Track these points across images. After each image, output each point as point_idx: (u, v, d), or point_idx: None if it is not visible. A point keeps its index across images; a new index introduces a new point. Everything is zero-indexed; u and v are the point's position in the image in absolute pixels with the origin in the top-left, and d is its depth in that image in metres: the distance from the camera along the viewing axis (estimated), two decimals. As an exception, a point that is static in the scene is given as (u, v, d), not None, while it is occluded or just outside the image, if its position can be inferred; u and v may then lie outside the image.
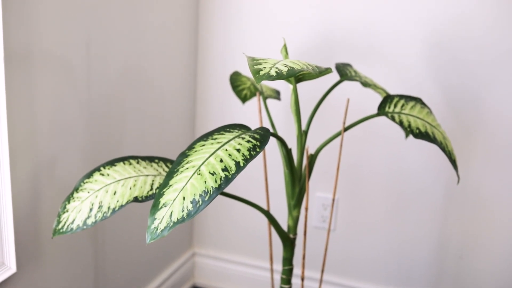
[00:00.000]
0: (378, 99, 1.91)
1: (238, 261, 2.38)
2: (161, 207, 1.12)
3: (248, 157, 1.15)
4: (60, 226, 1.31)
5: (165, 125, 2.07)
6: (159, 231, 1.10)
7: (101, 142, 1.72)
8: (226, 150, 1.17)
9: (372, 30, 1.96)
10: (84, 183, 1.34)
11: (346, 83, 1.95)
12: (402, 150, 2.02)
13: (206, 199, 1.10)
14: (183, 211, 1.10)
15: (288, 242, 1.57)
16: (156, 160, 1.42)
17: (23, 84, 1.38)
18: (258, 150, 1.17)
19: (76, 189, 1.34)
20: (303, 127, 1.65)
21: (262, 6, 2.08)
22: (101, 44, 1.65)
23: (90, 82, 1.63)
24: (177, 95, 2.13)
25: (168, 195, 1.14)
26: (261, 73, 1.13)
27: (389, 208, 2.10)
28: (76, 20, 1.53)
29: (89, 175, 1.35)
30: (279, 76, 1.12)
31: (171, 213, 1.11)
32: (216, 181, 1.11)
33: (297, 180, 1.52)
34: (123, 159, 1.39)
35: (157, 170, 1.40)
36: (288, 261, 1.59)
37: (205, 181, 1.12)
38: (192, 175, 1.14)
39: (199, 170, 1.14)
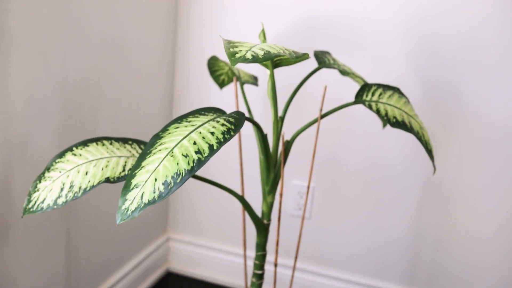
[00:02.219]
0: (356, 88, 1.91)
1: (213, 247, 2.37)
2: (133, 188, 1.11)
3: (222, 140, 1.15)
4: (30, 205, 1.30)
5: (142, 108, 2.06)
6: (129, 212, 1.09)
7: (76, 122, 1.70)
8: (200, 133, 1.16)
9: (354, 21, 1.95)
10: (56, 162, 1.33)
11: (324, 72, 1.95)
12: (380, 142, 2.02)
13: (178, 181, 1.09)
14: (154, 192, 1.09)
15: (262, 227, 1.56)
16: (130, 142, 1.41)
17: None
18: (232, 133, 1.16)
19: (48, 169, 1.32)
20: (280, 113, 1.64)
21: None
22: (77, 22, 1.63)
23: (65, 60, 1.61)
24: (154, 77, 2.11)
25: (140, 177, 1.12)
26: (237, 56, 1.12)
27: (365, 198, 2.10)
28: (52, 4, 1.51)
29: (61, 155, 1.34)
30: (254, 59, 1.11)
31: (142, 194, 1.10)
32: (188, 163, 1.10)
33: (272, 166, 1.51)
34: (96, 140, 1.37)
35: (130, 151, 1.38)
36: (261, 247, 1.59)
37: (177, 163, 1.11)
38: (165, 156, 1.13)
39: (172, 152, 1.13)
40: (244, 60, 1.10)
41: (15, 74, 1.42)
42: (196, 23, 2.16)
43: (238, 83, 1.73)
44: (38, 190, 1.31)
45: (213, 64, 1.78)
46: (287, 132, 1.94)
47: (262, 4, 2.05)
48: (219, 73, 1.79)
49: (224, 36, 2.09)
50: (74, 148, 1.35)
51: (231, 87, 2.08)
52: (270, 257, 2.16)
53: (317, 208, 2.18)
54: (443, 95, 1.92)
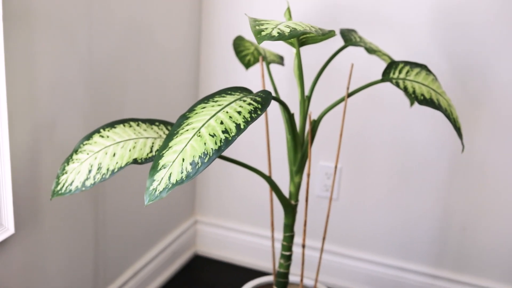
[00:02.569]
0: (383, 66, 1.89)
1: (240, 229, 2.37)
2: (160, 169, 1.11)
3: (249, 119, 1.14)
4: (58, 188, 1.31)
5: (168, 89, 2.05)
6: (157, 192, 1.09)
7: (102, 104, 1.71)
8: (227, 112, 1.15)
9: (378, -3, 1.93)
10: (84, 144, 1.33)
11: (350, 50, 1.93)
12: (407, 120, 2.00)
13: (205, 161, 1.09)
14: (182, 172, 1.09)
15: (290, 208, 1.56)
16: (157, 123, 1.41)
17: (23, 44, 1.36)
18: (259, 112, 1.16)
19: (75, 151, 1.33)
20: (306, 92, 1.63)
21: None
22: (104, 4, 1.63)
23: (91, 43, 1.61)
24: (180, 59, 2.10)
25: (168, 157, 1.12)
26: (263, 33, 1.11)
27: (393, 178, 2.09)
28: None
29: (89, 137, 1.34)
30: (281, 36, 1.10)
31: (170, 174, 1.10)
32: (216, 143, 1.10)
33: (300, 146, 1.51)
34: (123, 121, 1.37)
35: (157, 132, 1.38)
36: (289, 227, 1.58)
37: (204, 143, 1.10)
38: (192, 136, 1.12)
39: (199, 132, 1.12)
40: (270, 37, 1.09)
41: (41, 56, 1.43)
42: (221, 4, 2.15)
43: (264, 63, 1.72)
44: (66, 173, 1.31)
45: (238, 44, 1.77)
46: (313, 112, 1.92)
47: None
48: (244, 53, 1.78)
49: (249, 15, 2.07)
50: (101, 130, 1.35)
51: (256, 68, 2.07)
52: (297, 239, 2.16)
53: (344, 189, 2.17)
54: (471, 69, 1.88)
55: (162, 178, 1.10)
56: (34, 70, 1.41)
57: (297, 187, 1.55)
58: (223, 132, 1.11)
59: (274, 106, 2.04)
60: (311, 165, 2.03)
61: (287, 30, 1.12)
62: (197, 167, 1.08)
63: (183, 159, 1.10)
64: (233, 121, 1.13)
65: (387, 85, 1.92)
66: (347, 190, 2.16)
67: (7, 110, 1.33)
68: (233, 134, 1.11)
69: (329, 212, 1.62)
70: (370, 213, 2.15)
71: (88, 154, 1.31)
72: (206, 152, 1.09)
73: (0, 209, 1.40)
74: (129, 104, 1.84)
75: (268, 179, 1.48)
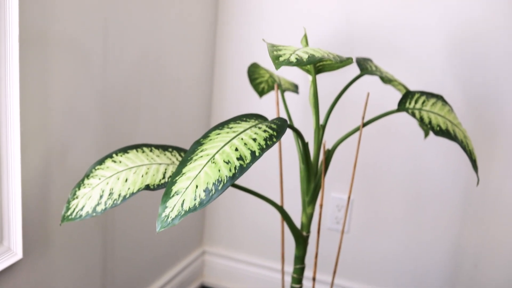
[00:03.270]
0: (397, 96, 1.87)
1: (249, 261, 2.34)
2: (173, 195, 1.10)
3: (264, 146, 1.13)
4: (69, 213, 1.29)
5: (180, 116, 2.04)
6: (169, 219, 1.07)
7: (115, 130, 1.70)
8: (242, 139, 1.14)
9: (393, 27, 1.92)
10: (96, 169, 1.32)
11: (364, 79, 1.91)
12: (421, 153, 1.98)
13: (219, 188, 1.07)
14: (195, 199, 1.07)
15: (301, 239, 1.53)
16: (170, 149, 1.39)
17: (38, 68, 1.36)
18: (274, 140, 1.14)
19: (87, 176, 1.31)
20: (321, 121, 1.61)
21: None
22: (119, 32, 1.63)
23: (105, 69, 1.60)
24: (193, 86, 2.10)
25: (181, 183, 1.11)
26: (281, 59, 1.10)
27: (405, 210, 2.06)
28: (94, 6, 1.51)
29: (101, 161, 1.33)
30: (299, 62, 1.09)
31: (183, 201, 1.08)
32: (230, 170, 1.08)
33: (313, 175, 1.49)
34: (136, 147, 1.36)
35: (170, 159, 1.36)
36: (300, 259, 1.56)
37: (219, 170, 1.09)
38: (206, 163, 1.11)
39: (214, 159, 1.11)
40: (288, 63, 1.08)
41: (55, 81, 1.42)
42: (235, 31, 2.15)
43: (278, 90, 1.71)
44: (77, 197, 1.29)
45: (253, 72, 1.76)
46: (326, 141, 1.91)
47: (300, 13, 2.03)
48: (259, 81, 1.77)
49: (267, 41, 2.07)
50: (114, 155, 1.34)
51: (269, 96, 2.06)
52: (307, 272, 2.12)
53: (355, 221, 2.14)
54: (486, 100, 1.87)
55: (175, 205, 1.08)
56: (48, 94, 1.40)
57: (309, 218, 1.53)
58: (237, 159, 1.10)
59: (287, 135, 2.03)
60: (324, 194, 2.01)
61: (305, 56, 1.11)
62: (210, 194, 1.07)
63: (197, 186, 1.08)
64: (248, 148, 1.11)
65: (401, 114, 1.90)
66: (358, 222, 2.13)
67: (20, 133, 1.32)
68: (248, 161, 1.10)
69: (340, 245, 1.59)
70: (381, 247, 2.12)
71: (100, 179, 1.30)
72: (220, 179, 1.08)
73: (9, 234, 1.38)
74: (141, 130, 1.82)
75: (280, 209, 1.45)
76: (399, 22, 1.92)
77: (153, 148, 1.37)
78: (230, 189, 2.19)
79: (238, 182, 2.16)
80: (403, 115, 1.90)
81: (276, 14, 2.07)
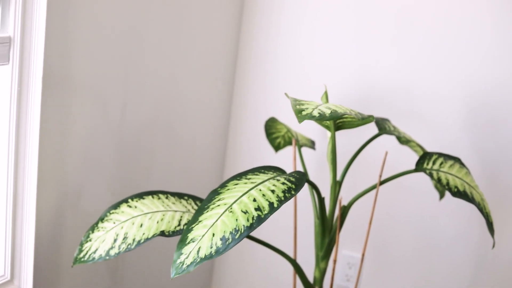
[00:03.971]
0: (413, 157, 1.87)
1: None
2: (189, 242, 1.10)
3: (283, 198, 1.13)
4: (81, 255, 1.28)
5: (194, 167, 2.05)
6: (185, 266, 1.07)
7: (129, 177, 1.70)
8: (260, 190, 1.14)
9: (410, 90, 1.94)
10: (111, 213, 1.32)
11: (381, 140, 1.92)
12: (434, 217, 1.96)
13: (236, 237, 1.07)
14: (211, 247, 1.07)
15: (313, 295, 1.52)
16: (186, 197, 1.39)
17: (58, 111, 1.37)
18: (293, 192, 1.15)
19: (102, 219, 1.32)
20: (338, 177, 1.62)
21: (300, 55, 2.07)
22: (138, 82, 1.65)
23: (123, 117, 1.62)
24: (209, 137, 2.11)
25: (197, 231, 1.11)
26: (304, 113, 1.11)
27: (415, 274, 2.03)
28: (115, 56, 1.53)
29: (116, 206, 1.33)
30: (321, 117, 1.10)
31: (199, 248, 1.08)
32: (248, 220, 1.08)
33: (328, 231, 1.48)
34: (152, 193, 1.36)
35: (186, 207, 1.37)
36: (311, 315, 1.54)
37: (236, 219, 1.09)
38: (224, 212, 1.11)
39: (231, 208, 1.11)
40: (311, 117, 1.09)
41: (75, 123, 1.43)
42: (253, 85, 2.16)
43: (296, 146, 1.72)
44: (90, 240, 1.29)
45: (270, 126, 1.77)
46: (342, 197, 1.90)
47: (318, 69, 2.04)
48: (275, 135, 1.78)
49: (289, 95, 2.09)
50: (129, 200, 1.34)
51: (284, 152, 2.06)
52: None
53: (365, 279, 2.11)
54: (500, 165, 1.86)
55: (190, 252, 1.08)
56: (66, 137, 1.42)
57: (323, 273, 1.52)
58: (255, 209, 1.10)
59: (302, 189, 2.02)
60: (337, 252, 2.00)
61: (327, 112, 1.12)
62: (227, 243, 1.06)
63: (213, 234, 1.08)
64: (266, 199, 1.12)
65: (417, 178, 1.90)
66: (367, 281, 2.11)
67: (37, 175, 1.33)
68: (265, 212, 1.10)
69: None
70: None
71: (114, 223, 1.30)
72: (237, 229, 1.08)
73: (20, 273, 1.38)
74: (155, 179, 1.83)
75: (293, 262, 1.45)
76: (416, 85, 1.93)
77: (169, 196, 1.38)
78: (237, 246, 2.18)
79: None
80: (417, 176, 1.90)
81: (293, 69, 2.09)
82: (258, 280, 2.28)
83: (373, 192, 1.74)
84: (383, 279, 2.09)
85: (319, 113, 1.11)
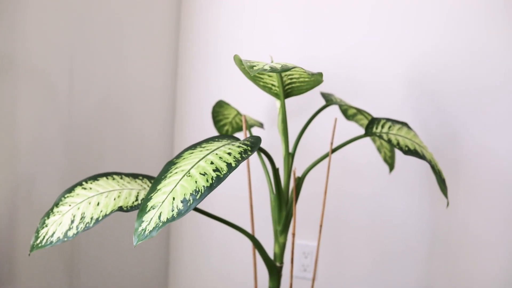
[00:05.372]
0: (361, 131, 1.90)
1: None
2: (149, 210, 1.08)
3: (240, 158, 1.13)
4: (38, 241, 1.25)
5: (144, 152, 2.04)
6: (147, 232, 1.05)
7: (80, 163, 1.68)
8: (217, 154, 1.14)
9: (355, 68, 1.97)
10: (65, 197, 1.29)
11: (328, 118, 1.94)
12: (385, 195, 1.99)
13: (197, 197, 1.06)
14: (173, 210, 1.06)
15: (275, 270, 1.51)
16: (140, 177, 1.38)
17: (5, 98, 1.34)
18: (249, 153, 1.15)
19: (57, 204, 1.28)
20: (290, 149, 1.62)
21: (241, 41, 2.09)
22: (84, 67, 1.64)
23: (71, 100, 1.60)
24: (156, 121, 2.11)
25: (157, 198, 1.09)
26: (255, 68, 1.12)
27: (370, 255, 2.05)
28: (61, 38, 1.52)
29: (71, 190, 1.30)
30: (273, 69, 1.11)
31: (160, 213, 1.06)
32: (207, 181, 1.08)
33: (284, 204, 1.48)
34: (106, 174, 1.34)
35: (141, 185, 1.35)
36: (274, 292, 1.53)
37: (195, 181, 1.08)
38: (182, 177, 1.10)
39: (189, 173, 1.10)
40: (263, 70, 1.10)
41: (21, 108, 1.41)
42: (195, 71, 2.16)
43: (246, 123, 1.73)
44: (46, 226, 1.26)
45: (217, 113, 1.78)
46: (296, 169, 1.91)
47: (267, 45, 2.06)
48: (223, 123, 1.79)
49: (222, 88, 2.09)
50: (83, 183, 1.31)
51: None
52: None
53: (321, 267, 2.11)
54: (444, 135, 1.91)
55: (152, 218, 1.06)
56: (14, 124, 1.39)
57: (282, 247, 1.51)
58: (214, 171, 1.09)
59: (255, 165, 2.01)
60: (295, 225, 1.99)
61: (278, 66, 1.14)
62: (188, 204, 1.06)
63: (174, 198, 1.07)
64: (224, 161, 1.11)
65: (364, 156, 1.92)
66: (324, 269, 2.11)
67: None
68: (224, 172, 1.09)
69: None
70: (350, 292, 2.10)
71: (70, 205, 1.27)
72: (197, 190, 1.07)
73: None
74: (107, 163, 1.81)
75: (252, 237, 1.44)
76: (359, 65, 1.97)
77: (123, 176, 1.36)
78: (195, 225, 2.17)
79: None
80: (367, 156, 1.92)
81: (234, 50, 2.10)
82: (218, 258, 2.25)
83: (323, 184, 1.75)
84: (339, 264, 2.09)
85: (270, 66, 1.12)
